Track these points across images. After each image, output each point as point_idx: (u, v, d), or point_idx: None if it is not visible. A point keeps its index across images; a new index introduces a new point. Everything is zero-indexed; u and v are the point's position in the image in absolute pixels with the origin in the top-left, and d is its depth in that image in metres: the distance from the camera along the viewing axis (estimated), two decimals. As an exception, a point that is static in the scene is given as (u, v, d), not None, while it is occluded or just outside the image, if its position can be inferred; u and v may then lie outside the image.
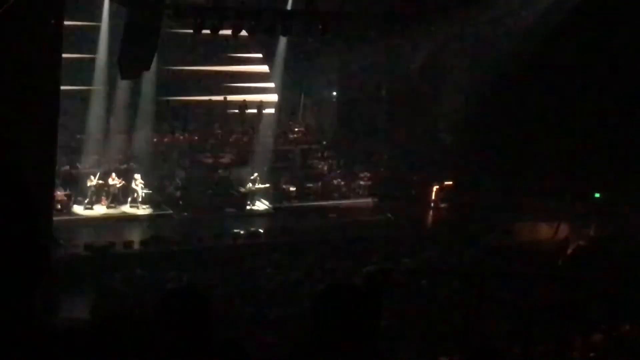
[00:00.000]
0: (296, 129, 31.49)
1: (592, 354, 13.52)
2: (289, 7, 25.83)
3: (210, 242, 23.11)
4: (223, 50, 28.62)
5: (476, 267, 21.01)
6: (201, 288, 3.72)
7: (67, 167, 25.23)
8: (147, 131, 27.80)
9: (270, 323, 17.04)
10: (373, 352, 3.30)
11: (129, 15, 20.74)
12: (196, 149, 28.82)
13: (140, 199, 25.03)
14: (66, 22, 17.88)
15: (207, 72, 29.89)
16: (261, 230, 24.33)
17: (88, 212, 24.47)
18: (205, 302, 3.54)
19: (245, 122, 30.83)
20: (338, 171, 29.09)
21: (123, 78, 23.40)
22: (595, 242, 23.95)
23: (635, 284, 18.45)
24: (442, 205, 27.41)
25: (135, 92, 27.25)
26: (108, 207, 24.82)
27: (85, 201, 24.48)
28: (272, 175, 27.37)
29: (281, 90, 30.97)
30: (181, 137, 29.24)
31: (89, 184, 24.49)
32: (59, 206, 23.36)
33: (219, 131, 30.15)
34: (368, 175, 28.63)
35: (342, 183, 28.40)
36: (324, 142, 30.38)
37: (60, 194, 23.63)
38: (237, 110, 30.96)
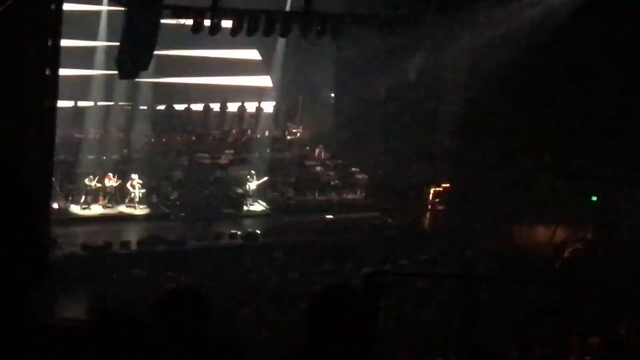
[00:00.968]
0: (294, 130, 31.49)
1: (588, 357, 13.53)
2: (287, 8, 25.83)
3: (208, 242, 23.10)
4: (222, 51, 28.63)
5: (473, 270, 21.04)
6: (198, 289, 3.71)
7: (65, 167, 25.18)
8: (144, 131, 27.80)
9: (268, 324, 17.05)
10: (370, 354, 3.30)
11: (127, 15, 20.73)
12: (194, 149, 28.80)
13: (137, 199, 25.00)
14: (64, 23, 17.86)
15: (205, 71, 29.91)
16: (258, 231, 24.33)
17: (85, 212, 24.45)
18: (203, 302, 3.54)
19: (243, 122, 30.82)
20: (335, 173, 29.07)
21: (121, 78, 23.39)
22: (593, 246, 23.98)
23: (632, 287, 18.48)
24: (439, 207, 27.41)
25: (133, 92, 27.26)
26: (105, 207, 24.80)
27: (82, 201, 24.45)
28: (270, 176, 27.35)
29: (279, 92, 30.97)
30: (179, 137, 29.23)
31: (86, 183, 24.47)
32: (56, 206, 23.33)
33: (217, 131, 30.15)
34: (366, 176, 28.63)
35: (340, 184, 28.40)
36: (322, 144, 30.37)
37: (57, 193, 23.59)
38: (235, 111, 30.96)
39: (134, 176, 25.07)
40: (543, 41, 23.58)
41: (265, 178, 26.89)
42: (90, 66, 27.03)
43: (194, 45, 26.46)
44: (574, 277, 20.19)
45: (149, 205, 25.30)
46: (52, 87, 17.43)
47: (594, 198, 25.12)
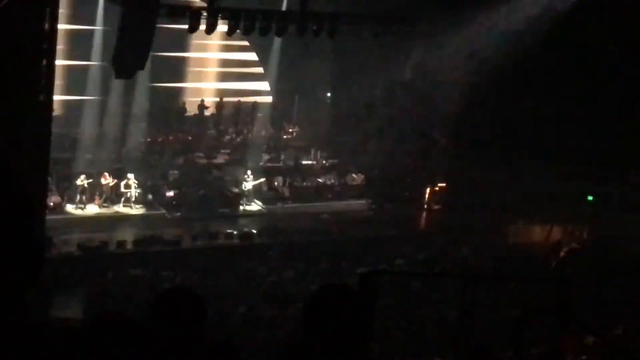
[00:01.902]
0: (290, 130, 31.50)
1: (584, 356, 13.56)
2: (283, 7, 25.84)
3: (204, 242, 23.09)
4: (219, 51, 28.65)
5: (469, 269, 21.07)
6: (194, 288, 3.71)
7: (61, 166, 25.15)
8: (140, 131, 27.79)
9: (264, 323, 17.06)
10: (366, 354, 3.30)
11: (123, 15, 20.72)
12: (190, 149, 28.79)
13: (133, 199, 24.99)
14: (61, 22, 17.86)
15: (201, 72, 29.91)
16: (254, 231, 24.32)
17: (81, 212, 24.43)
18: (198, 302, 3.54)
19: (239, 122, 30.83)
20: (331, 172, 29.08)
21: (117, 77, 23.37)
22: (588, 245, 24.01)
23: (627, 286, 18.52)
24: (436, 207, 27.44)
25: (129, 92, 27.25)
26: (101, 207, 24.78)
27: (77, 200, 24.42)
28: (266, 175, 27.36)
29: (275, 91, 30.97)
30: (175, 137, 29.21)
31: (81, 183, 24.44)
32: (52, 205, 23.31)
33: (213, 131, 30.14)
34: (362, 176, 28.64)
35: (336, 184, 28.41)
36: (318, 143, 30.37)
37: (53, 193, 23.56)
38: (231, 110, 30.97)
39: (130, 176, 25.06)
40: (540, 41, 23.60)
41: (262, 180, 26.90)
42: (86, 65, 27.03)
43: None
44: (570, 276, 20.21)
45: (145, 205, 25.30)
46: (47, 85, 17.41)
47: (590, 197, 25.16)
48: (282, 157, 29.77)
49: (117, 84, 26.34)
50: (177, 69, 29.41)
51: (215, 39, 24.90)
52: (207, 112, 30.35)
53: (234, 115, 30.98)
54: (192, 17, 21.87)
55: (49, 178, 20.88)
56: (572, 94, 24.04)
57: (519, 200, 24.89)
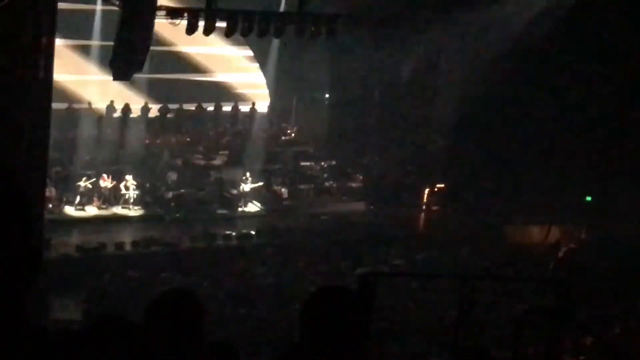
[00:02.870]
0: (288, 131, 31.49)
1: (582, 357, 13.57)
2: (281, 9, 25.83)
3: (202, 243, 23.08)
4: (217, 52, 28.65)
5: (468, 270, 21.07)
6: (193, 290, 3.72)
7: (59, 168, 25.14)
8: (139, 132, 27.77)
9: (262, 324, 17.06)
10: (364, 354, 3.31)
11: (121, 16, 20.71)
12: (188, 150, 28.77)
13: (131, 200, 24.97)
14: (59, 23, 17.84)
15: (200, 71, 29.92)
16: (253, 232, 24.31)
17: (79, 213, 24.41)
18: (197, 303, 3.55)
19: (237, 123, 30.82)
20: (330, 173, 29.07)
21: (115, 79, 23.35)
22: (587, 246, 24.02)
23: (625, 287, 18.54)
24: (434, 207, 27.43)
25: (127, 93, 27.25)
26: (100, 208, 24.76)
27: (76, 202, 24.41)
28: (264, 177, 27.35)
29: (274, 92, 30.96)
30: (173, 139, 29.21)
31: (79, 184, 24.43)
32: (51, 207, 23.29)
33: (212, 132, 30.13)
34: (360, 177, 28.63)
35: (334, 185, 28.39)
36: (316, 144, 30.37)
37: (51, 194, 23.54)
38: (229, 111, 30.97)
39: (129, 177, 25.04)
40: (538, 42, 23.62)
41: (260, 178, 26.89)
42: (84, 67, 27.03)
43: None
44: (568, 277, 20.21)
45: (144, 206, 25.27)
46: (46, 86, 17.39)
47: (589, 198, 25.17)
48: (281, 158, 29.75)
49: (115, 86, 26.31)
50: (175, 69, 29.38)
51: (213, 39, 24.82)
52: (205, 114, 30.35)
53: (232, 116, 30.97)
54: (190, 18, 21.87)
55: (48, 179, 20.87)
56: (572, 94, 24.07)
57: (518, 201, 24.90)
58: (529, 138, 25.17)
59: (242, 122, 30.88)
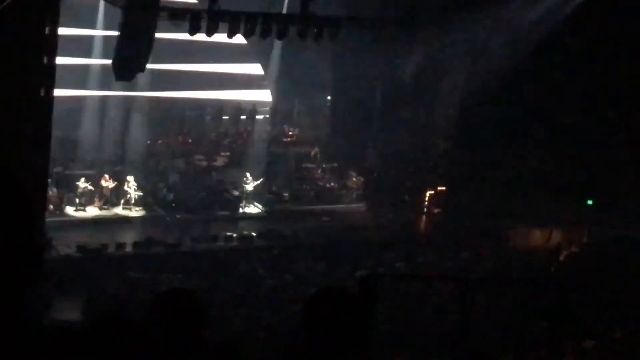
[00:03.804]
0: (290, 133, 31.50)
1: (583, 360, 13.55)
2: (284, 10, 25.85)
3: (203, 244, 23.08)
4: (219, 54, 28.63)
5: (469, 273, 21.04)
6: (194, 291, 3.71)
7: (61, 168, 25.15)
8: (140, 133, 27.78)
9: (263, 325, 17.04)
10: (365, 357, 3.30)
11: (124, 17, 20.73)
12: (190, 151, 28.78)
13: (133, 201, 24.98)
14: (61, 24, 17.85)
15: (202, 75, 29.92)
16: (254, 233, 24.31)
17: (80, 214, 24.42)
18: (198, 304, 3.54)
19: (239, 124, 30.83)
20: (331, 175, 29.07)
21: (117, 79, 23.36)
22: (588, 249, 24.00)
23: (627, 290, 18.51)
24: (436, 210, 27.42)
25: (129, 94, 27.25)
26: (101, 209, 24.77)
27: (77, 202, 24.41)
28: (266, 178, 27.36)
29: (276, 94, 30.97)
30: (175, 139, 29.21)
31: (80, 185, 24.43)
32: (52, 207, 23.30)
33: (213, 134, 30.13)
34: (361, 179, 28.62)
35: (336, 187, 28.39)
36: (318, 146, 30.37)
37: (52, 194, 23.55)
38: (231, 112, 30.98)
39: (130, 178, 25.04)
40: (539, 44, 23.61)
41: (261, 180, 26.89)
42: (86, 68, 27.05)
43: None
44: (569, 280, 20.19)
45: (145, 207, 25.27)
46: (48, 86, 17.40)
47: (590, 201, 25.15)
48: (282, 159, 29.75)
49: (117, 87, 26.32)
50: (177, 70, 29.37)
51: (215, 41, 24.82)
52: (207, 115, 30.37)
53: (234, 117, 30.98)
54: (193, 19, 21.88)
55: (49, 179, 20.87)
56: (573, 97, 24.05)
57: (519, 204, 24.88)
58: (531, 140, 25.16)
59: (244, 124, 30.89)
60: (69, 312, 17.73)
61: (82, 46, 26.54)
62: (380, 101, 29.26)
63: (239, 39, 24.40)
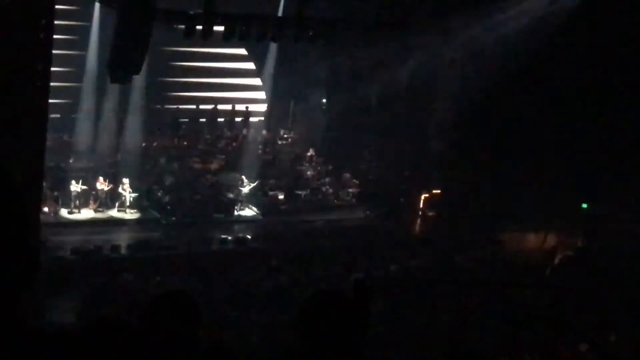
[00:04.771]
0: (285, 135, 31.50)
1: (578, 364, 13.56)
2: (280, 13, 25.86)
3: (198, 247, 23.06)
4: (214, 57, 28.66)
5: (464, 276, 21.07)
6: (189, 293, 3.71)
7: (56, 171, 25.11)
8: (135, 135, 27.76)
9: (258, 328, 17.04)
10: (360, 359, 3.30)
11: (119, 19, 20.71)
12: (185, 153, 28.77)
13: (128, 204, 24.95)
14: (57, 26, 17.83)
15: (197, 77, 29.92)
16: (249, 236, 24.30)
17: (75, 216, 24.38)
18: (192, 305, 3.54)
19: (234, 127, 30.83)
20: (327, 178, 29.08)
21: (113, 82, 23.34)
22: (583, 253, 24.04)
23: (621, 294, 18.54)
24: (431, 213, 27.44)
25: (124, 96, 27.23)
26: (96, 211, 24.74)
27: (72, 204, 24.39)
28: (261, 180, 27.35)
29: (271, 97, 30.98)
30: (170, 142, 29.19)
31: (75, 187, 24.40)
32: (47, 209, 23.26)
33: (208, 136, 30.13)
34: (357, 182, 28.64)
35: (331, 190, 28.40)
36: (313, 148, 30.39)
37: (47, 197, 23.52)
38: (226, 114, 30.98)
39: (125, 180, 25.02)
40: (535, 48, 23.65)
41: (257, 182, 26.89)
42: (81, 70, 27.03)
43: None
44: (564, 284, 20.23)
45: (140, 209, 25.25)
46: (43, 89, 17.36)
47: (585, 205, 25.19)
48: (278, 162, 29.77)
49: (112, 89, 26.31)
50: (172, 73, 29.37)
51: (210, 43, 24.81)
52: (202, 117, 30.37)
53: (229, 120, 30.97)
54: (188, 22, 21.87)
55: (44, 182, 20.83)
56: (569, 102, 24.09)
57: (514, 207, 24.91)
58: (526, 145, 25.19)
59: (239, 126, 30.89)
60: (63, 314, 17.71)
61: (78, 47, 26.50)
62: (375, 104, 29.28)
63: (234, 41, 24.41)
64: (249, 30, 22.68)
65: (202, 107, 30.48)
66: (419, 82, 27.14)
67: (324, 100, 31.73)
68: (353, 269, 21.09)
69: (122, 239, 23.10)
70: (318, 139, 30.93)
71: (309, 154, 30.21)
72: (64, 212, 24.42)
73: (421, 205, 27.62)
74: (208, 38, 22.32)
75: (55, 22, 17.59)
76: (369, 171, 29.43)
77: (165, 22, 21.89)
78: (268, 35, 23.18)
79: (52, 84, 17.94)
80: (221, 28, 22.44)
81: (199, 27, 21.86)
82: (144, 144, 28.25)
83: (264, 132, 31.01)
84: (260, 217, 26.36)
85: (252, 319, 17.84)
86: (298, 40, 23.48)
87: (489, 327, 15.24)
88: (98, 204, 24.81)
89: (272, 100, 31.23)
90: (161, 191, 26.19)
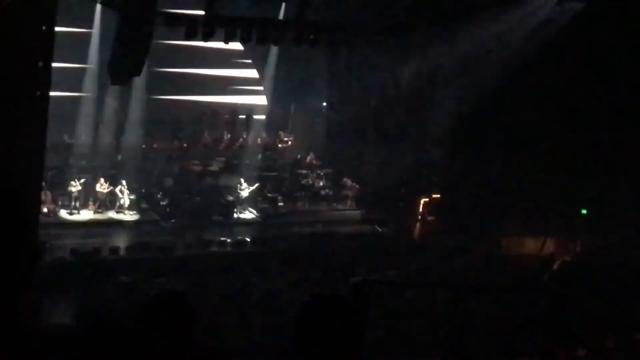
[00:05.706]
0: (285, 139, 31.49)
1: (576, 369, 13.55)
2: (280, 16, 25.88)
3: (197, 249, 23.05)
4: (215, 60, 28.63)
5: (463, 280, 21.06)
6: (187, 295, 3.71)
7: (55, 172, 25.10)
8: (135, 137, 27.75)
9: (255, 331, 17.04)
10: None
11: (120, 21, 20.72)
12: (185, 156, 28.76)
13: (127, 205, 24.94)
14: (58, 28, 17.83)
15: (197, 80, 29.90)
16: (248, 239, 24.29)
17: (74, 217, 24.38)
18: (191, 309, 3.54)
19: (234, 130, 30.81)
20: (326, 182, 29.07)
21: (113, 83, 23.36)
22: (581, 258, 24.04)
23: (619, 300, 18.54)
24: (430, 217, 27.43)
25: (124, 98, 27.21)
26: (95, 213, 24.74)
27: (71, 206, 24.39)
28: (260, 183, 27.35)
29: (271, 100, 30.97)
30: (170, 144, 29.17)
31: (74, 189, 24.39)
32: (46, 210, 23.26)
33: (208, 139, 30.11)
34: (356, 186, 28.63)
35: (330, 193, 28.39)
36: (313, 152, 30.37)
37: (47, 198, 23.52)
38: (226, 117, 30.95)
39: (125, 182, 25.02)
40: (534, 53, 23.67)
41: (256, 185, 26.88)
42: (82, 71, 27.01)
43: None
44: (562, 289, 20.22)
45: (139, 211, 25.24)
46: (43, 89, 17.37)
47: (584, 211, 25.20)
48: (277, 165, 29.76)
49: (112, 90, 26.30)
50: (173, 75, 29.35)
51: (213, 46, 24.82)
52: (202, 120, 30.35)
53: (229, 123, 30.96)
54: (189, 25, 21.88)
55: (43, 183, 20.84)
56: (569, 107, 24.11)
57: (513, 212, 24.92)
58: (526, 150, 25.20)
59: (239, 129, 30.88)
60: (61, 315, 17.70)
61: (78, 49, 26.48)
62: (375, 107, 29.28)
63: (235, 44, 24.46)
64: (249, 33, 22.68)
65: (202, 109, 30.44)
66: (420, 86, 27.13)
67: (324, 104, 31.72)
68: (352, 272, 21.07)
69: (121, 241, 23.10)
70: (318, 143, 30.91)
71: (308, 157, 30.20)
72: (63, 212, 24.42)
73: (421, 210, 27.61)
74: (209, 40, 22.35)
75: (56, 22, 17.62)
76: (369, 175, 29.41)
77: (166, 24, 21.89)
78: (269, 38, 23.19)
79: (52, 84, 17.96)
80: (222, 30, 22.45)
81: (200, 30, 21.87)
82: (143, 146, 28.23)
83: (264, 135, 31.00)
84: (259, 220, 26.35)
85: (250, 322, 17.83)
86: (299, 44, 23.49)
87: (487, 332, 15.24)
88: (97, 206, 24.81)
89: (272, 104, 31.21)
90: (160, 193, 26.18)
